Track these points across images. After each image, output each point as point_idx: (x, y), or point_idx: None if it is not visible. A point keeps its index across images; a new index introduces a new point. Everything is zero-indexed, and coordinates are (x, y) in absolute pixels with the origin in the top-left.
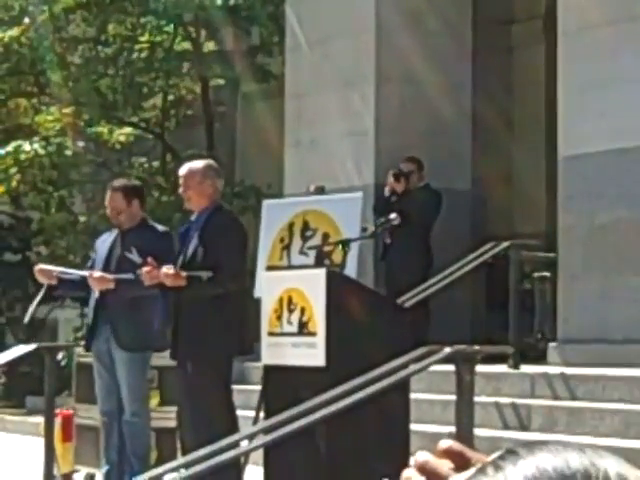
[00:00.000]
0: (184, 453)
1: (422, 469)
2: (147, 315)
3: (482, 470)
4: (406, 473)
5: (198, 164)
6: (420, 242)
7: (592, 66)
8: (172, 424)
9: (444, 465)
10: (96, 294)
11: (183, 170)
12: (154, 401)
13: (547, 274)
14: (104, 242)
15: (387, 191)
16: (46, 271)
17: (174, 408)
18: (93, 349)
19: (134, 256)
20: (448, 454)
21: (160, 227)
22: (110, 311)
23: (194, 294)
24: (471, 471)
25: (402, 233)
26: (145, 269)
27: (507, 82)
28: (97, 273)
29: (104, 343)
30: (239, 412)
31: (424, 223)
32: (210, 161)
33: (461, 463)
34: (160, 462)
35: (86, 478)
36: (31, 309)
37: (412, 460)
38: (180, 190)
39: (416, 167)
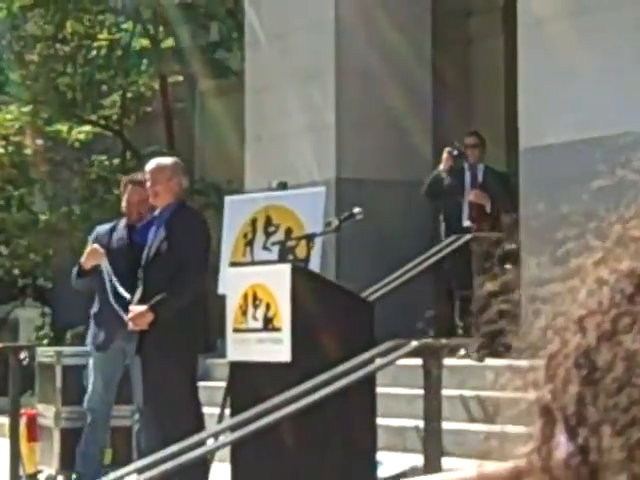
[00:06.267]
0: (148, 452)
1: None
2: None
3: None
4: None
5: (166, 160)
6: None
7: (552, 58)
8: (128, 422)
9: None
10: (108, 287)
11: (151, 165)
12: None
13: (510, 266)
14: (113, 235)
15: (443, 170)
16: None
17: (129, 407)
18: (107, 348)
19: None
20: None
21: None
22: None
23: (167, 314)
24: None
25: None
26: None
27: (466, 74)
28: (136, 308)
29: (119, 341)
30: (204, 409)
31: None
32: (176, 158)
33: None
34: (115, 461)
35: (48, 479)
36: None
37: None
38: (147, 185)
39: (479, 142)
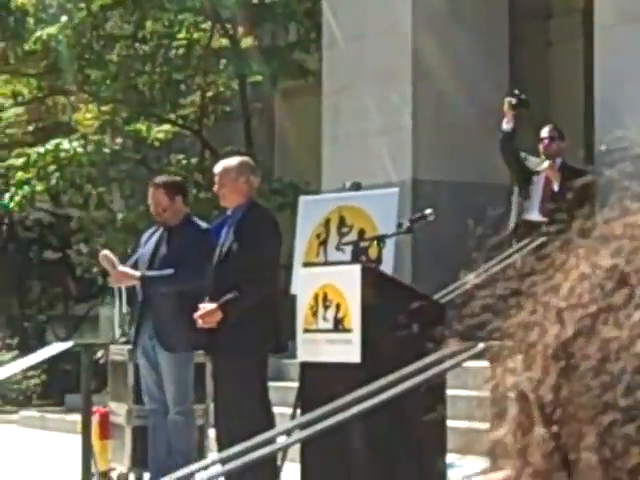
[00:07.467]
0: (220, 450)
1: None
2: (192, 314)
3: None
4: None
5: (232, 161)
6: None
7: (629, 59)
8: (200, 421)
9: None
10: (140, 291)
11: (218, 168)
12: None
13: None
14: (149, 239)
15: (506, 124)
16: (110, 259)
17: (202, 406)
18: (139, 345)
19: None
20: None
21: (203, 224)
22: (154, 310)
23: (236, 313)
24: None
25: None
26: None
27: (545, 77)
28: (121, 268)
29: (149, 340)
30: (276, 409)
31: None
32: (245, 158)
33: None
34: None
35: (120, 477)
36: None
37: None
38: (215, 188)
39: (556, 134)
